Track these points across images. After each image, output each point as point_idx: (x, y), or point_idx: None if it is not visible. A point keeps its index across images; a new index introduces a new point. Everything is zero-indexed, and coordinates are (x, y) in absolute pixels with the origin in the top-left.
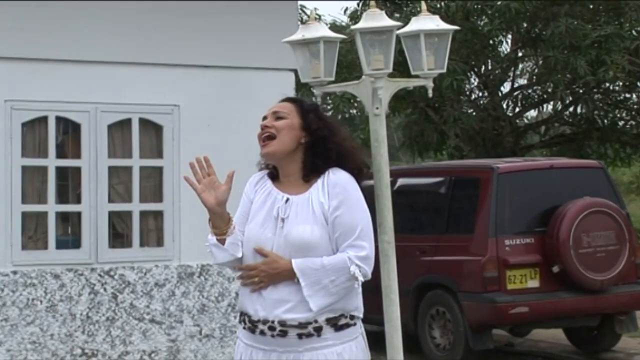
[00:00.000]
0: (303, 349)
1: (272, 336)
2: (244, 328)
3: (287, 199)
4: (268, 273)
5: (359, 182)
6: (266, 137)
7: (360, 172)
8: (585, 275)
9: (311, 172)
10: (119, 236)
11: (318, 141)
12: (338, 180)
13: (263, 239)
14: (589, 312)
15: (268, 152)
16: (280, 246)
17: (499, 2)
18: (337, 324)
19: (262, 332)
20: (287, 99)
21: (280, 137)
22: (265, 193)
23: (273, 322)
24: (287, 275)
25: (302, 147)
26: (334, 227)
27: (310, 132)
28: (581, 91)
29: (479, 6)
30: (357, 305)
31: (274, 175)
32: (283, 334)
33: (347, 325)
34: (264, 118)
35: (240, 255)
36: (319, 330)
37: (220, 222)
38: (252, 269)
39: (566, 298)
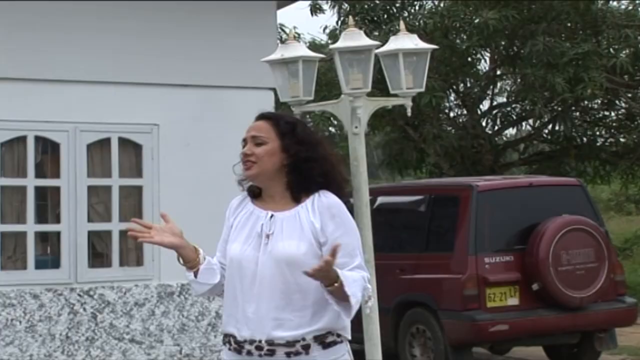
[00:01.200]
0: None
1: (260, 356)
2: (229, 349)
3: (272, 216)
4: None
5: (342, 200)
6: (248, 164)
7: (343, 190)
8: (565, 293)
9: (300, 191)
10: (98, 256)
11: (299, 162)
12: (332, 202)
13: (246, 256)
14: (568, 330)
15: (250, 174)
16: (264, 263)
17: (477, 20)
18: (325, 341)
19: (249, 352)
20: (264, 117)
21: (260, 163)
22: (247, 214)
23: (260, 341)
24: (331, 277)
25: (285, 167)
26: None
27: (291, 155)
28: (559, 109)
29: (457, 24)
30: (344, 325)
31: (256, 194)
32: (271, 353)
33: (335, 343)
34: (244, 141)
35: (217, 280)
36: (307, 348)
37: (188, 255)
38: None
39: (546, 316)
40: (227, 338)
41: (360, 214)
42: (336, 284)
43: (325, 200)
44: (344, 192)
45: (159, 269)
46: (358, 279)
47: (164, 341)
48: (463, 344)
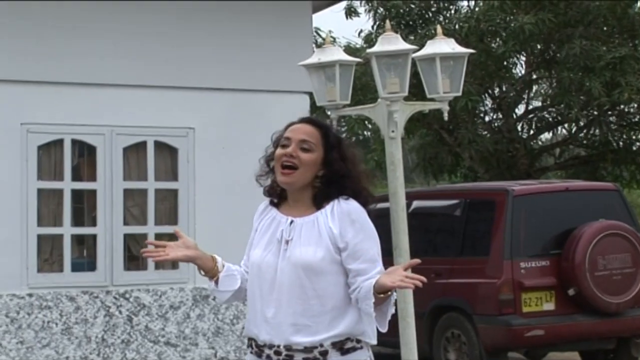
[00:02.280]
0: None
1: None
2: (251, 352)
3: (292, 221)
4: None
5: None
6: (288, 165)
7: (367, 204)
8: (601, 298)
9: (324, 200)
10: (134, 259)
11: (335, 177)
12: (352, 209)
13: (266, 262)
14: (605, 335)
15: (288, 181)
16: (283, 269)
17: (512, 24)
18: (343, 347)
19: (268, 357)
20: (314, 123)
21: (302, 170)
22: (269, 219)
23: (279, 346)
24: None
25: (318, 179)
26: (354, 253)
27: (330, 169)
28: (596, 113)
29: (493, 28)
30: (364, 330)
31: (279, 199)
32: (289, 358)
33: (354, 349)
34: (286, 139)
35: (237, 285)
36: (324, 354)
37: (206, 264)
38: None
39: (582, 321)
40: (250, 341)
41: (397, 218)
42: (388, 294)
43: (345, 206)
44: (368, 206)
45: (194, 272)
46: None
47: (199, 344)
48: (498, 349)
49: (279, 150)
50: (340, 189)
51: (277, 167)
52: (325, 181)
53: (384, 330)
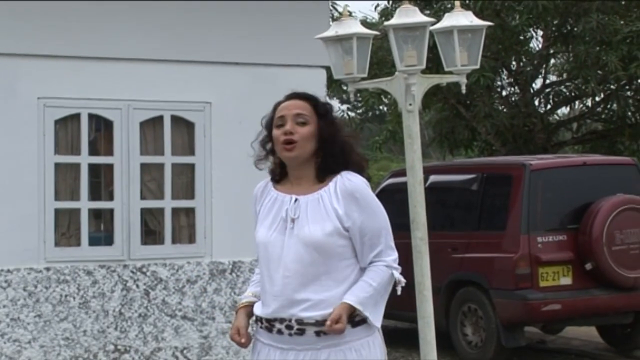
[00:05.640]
0: (321, 347)
1: (290, 335)
2: (261, 328)
3: (296, 199)
4: (344, 321)
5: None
6: (289, 141)
7: (363, 170)
8: (619, 273)
9: (326, 173)
10: (151, 233)
11: (329, 145)
12: (355, 187)
13: (272, 240)
14: (622, 310)
15: (292, 156)
16: (290, 247)
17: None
18: (354, 320)
19: (279, 331)
20: (302, 96)
21: (302, 143)
22: (271, 200)
23: (290, 320)
24: (350, 315)
25: (317, 150)
26: (359, 231)
27: (324, 137)
28: (613, 87)
29: (508, 2)
30: None
31: (277, 179)
32: (300, 332)
33: (364, 322)
34: (280, 119)
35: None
36: None
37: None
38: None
39: (599, 295)
40: (258, 317)
41: (414, 192)
42: (357, 313)
43: (349, 183)
44: (364, 172)
45: (211, 246)
46: (376, 278)
47: (216, 318)
48: (515, 323)
49: (276, 131)
50: (336, 156)
51: (279, 147)
52: (324, 152)
53: (378, 322)
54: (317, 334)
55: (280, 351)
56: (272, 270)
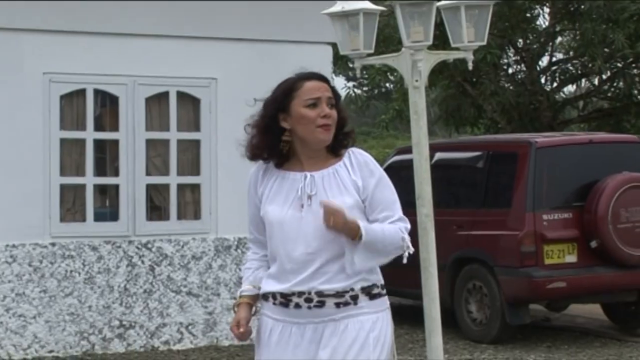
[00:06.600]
0: (340, 317)
1: (309, 308)
2: (274, 304)
3: (310, 176)
4: (344, 219)
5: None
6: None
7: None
8: (624, 251)
9: (341, 148)
10: (156, 209)
11: (342, 123)
12: (368, 159)
13: (289, 217)
14: (627, 288)
15: (327, 139)
16: (309, 223)
17: None
18: (371, 292)
19: (297, 305)
20: (324, 78)
21: (333, 126)
22: (277, 180)
23: (310, 293)
24: (352, 228)
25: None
26: (373, 203)
27: (341, 117)
28: (619, 65)
29: None
30: (380, 278)
31: (280, 160)
32: (321, 304)
33: (380, 295)
34: (315, 98)
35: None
36: (355, 298)
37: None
38: (335, 210)
39: (604, 273)
40: (269, 294)
41: (420, 168)
42: (358, 237)
43: (361, 157)
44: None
45: (216, 222)
46: (389, 231)
47: (221, 294)
48: (520, 301)
49: (310, 112)
50: (345, 132)
51: (311, 127)
52: (339, 132)
53: (359, 264)
54: (337, 305)
55: (297, 326)
56: (288, 248)
